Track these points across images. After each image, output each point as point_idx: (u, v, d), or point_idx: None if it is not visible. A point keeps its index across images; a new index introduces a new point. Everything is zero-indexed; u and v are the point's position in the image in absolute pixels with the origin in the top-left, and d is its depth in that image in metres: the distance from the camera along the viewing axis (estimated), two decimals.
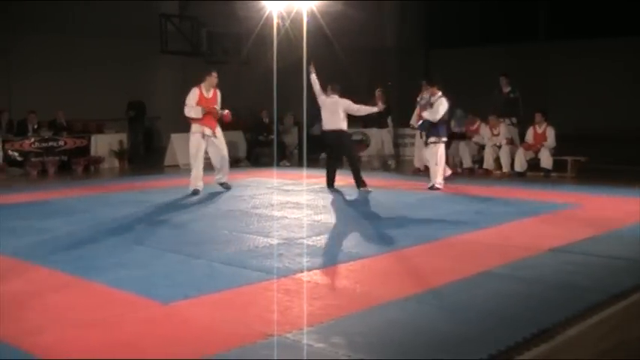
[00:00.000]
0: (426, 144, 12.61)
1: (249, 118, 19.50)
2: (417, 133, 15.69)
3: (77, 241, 7.93)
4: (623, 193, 11.32)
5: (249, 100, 19.12)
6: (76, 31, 18.97)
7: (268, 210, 10.10)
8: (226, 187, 12.20)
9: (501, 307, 5.27)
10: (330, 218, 9.37)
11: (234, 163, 17.53)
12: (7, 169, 15.48)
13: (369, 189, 11.70)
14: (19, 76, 18.37)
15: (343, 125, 11.98)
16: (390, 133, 16.84)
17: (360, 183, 11.83)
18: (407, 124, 16.31)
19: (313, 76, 12.10)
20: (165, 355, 4.33)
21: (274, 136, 17.55)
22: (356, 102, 12.10)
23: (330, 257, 6.96)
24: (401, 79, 23.69)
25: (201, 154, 11.87)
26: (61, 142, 16.49)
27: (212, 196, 11.68)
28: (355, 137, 18.76)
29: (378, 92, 16.41)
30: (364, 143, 18.66)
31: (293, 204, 10.63)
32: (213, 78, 11.79)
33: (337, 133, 11.93)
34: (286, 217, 9.36)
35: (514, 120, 15.34)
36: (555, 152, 14.33)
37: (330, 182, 12.15)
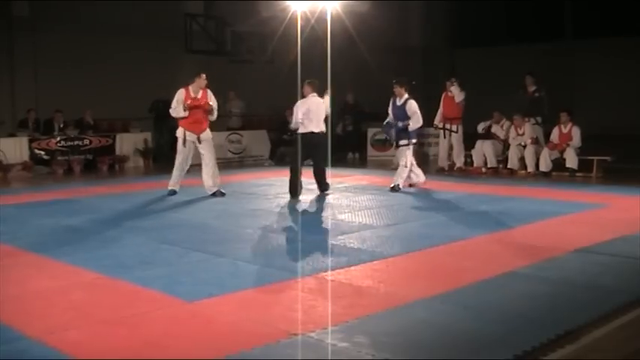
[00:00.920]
0: (397, 146, 12.37)
1: (273, 117, 19.54)
2: (441, 132, 15.70)
3: (102, 239, 8.00)
4: None
5: (273, 100, 19.17)
6: (102, 30, 19.08)
7: (292, 209, 10.11)
8: (219, 194, 11.44)
9: (526, 307, 5.24)
10: (354, 217, 9.36)
11: (259, 162, 17.65)
12: (34, 167, 15.62)
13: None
14: (45, 76, 18.50)
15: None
16: None
17: (326, 185, 11.60)
18: (431, 124, 16.26)
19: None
20: (189, 353, 4.35)
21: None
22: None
23: (354, 256, 6.95)
24: (426, 79, 23.61)
25: (181, 159, 11.59)
26: (87, 141, 16.64)
27: (236, 195, 11.71)
28: (379, 137, 18.78)
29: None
30: (388, 143, 18.64)
31: (317, 203, 10.63)
32: (202, 80, 11.53)
33: (322, 135, 11.39)
34: (310, 216, 9.36)
35: (539, 119, 15.24)
36: (581, 152, 14.19)
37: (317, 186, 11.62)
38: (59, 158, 16.06)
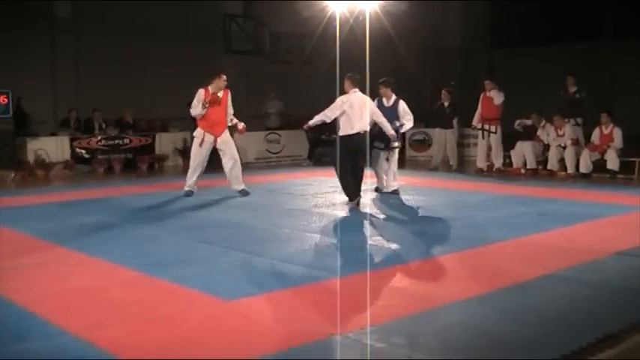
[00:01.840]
0: (391, 149, 11.66)
1: (311, 117, 19.53)
2: (480, 133, 15.61)
3: (141, 237, 8.08)
4: None
5: (312, 100, 19.15)
6: (142, 31, 19.27)
7: (330, 209, 10.12)
8: (244, 193, 11.46)
9: (565, 310, 5.19)
10: (391, 218, 9.34)
11: (297, 161, 17.68)
12: (75, 166, 15.84)
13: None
14: (86, 76, 18.74)
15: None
16: (454, 134, 16.62)
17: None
18: (470, 125, 16.19)
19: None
20: (226, 352, 4.38)
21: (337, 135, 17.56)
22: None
23: (392, 257, 6.94)
24: (464, 79, 23.48)
25: (199, 161, 11.43)
26: (127, 140, 16.84)
27: (274, 194, 11.76)
28: (417, 137, 18.72)
29: (444, 92, 16.35)
30: (426, 143, 18.58)
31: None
32: (222, 81, 11.41)
33: (363, 136, 10.34)
34: (348, 217, 9.37)
35: (579, 120, 15.08)
36: (622, 153, 14.01)
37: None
38: (100, 157, 16.28)
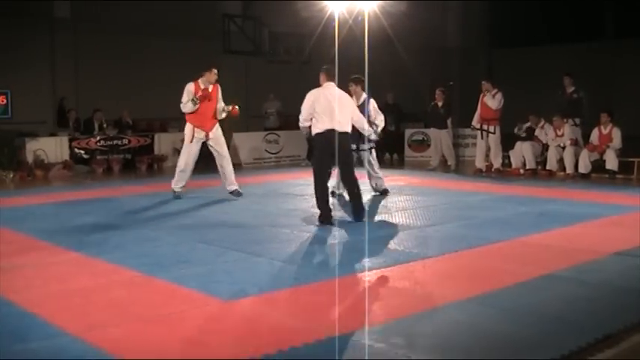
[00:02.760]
0: (361, 151, 11.13)
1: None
2: (479, 133, 15.61)
3: (140, 237, 8.08)
4: None
5: None
6: (141, 31, 19.27)
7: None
8: (237, 194, 11.23)
9: (565, 310, 5.19)
10: (390, 218, 9.34)
11: (296, 162, 17.68)
12: (74, 166, 15.84)
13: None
14: (85, 76, 18.74)
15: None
16: (448, 134, 16.60)
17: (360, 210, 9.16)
18: (469, 125, 16.19)
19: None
20: (225, 352, 4.38)
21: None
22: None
23: (391, 257, 6.94)
24: (463, 79, 23.50)
25: (188, 160, 11.22)
26: (126, 141, 16.84)
27: (273, 194, 11.76)
28: (416, 137, 18.72)
29: (438, 92, 16.36)
30: (425, 144, 18.57)
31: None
32: (213, 74, 11.19)
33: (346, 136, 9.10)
34: (347, 217, 9.36)
35: (577, 120, 15.08)
36: (621, 153, 14.02)
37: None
38: (99, 157, 16.28)
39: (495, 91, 15.20)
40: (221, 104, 11.37)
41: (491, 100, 15.17)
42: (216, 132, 11.32)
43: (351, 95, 10.83)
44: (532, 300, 5.44)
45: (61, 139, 16.17)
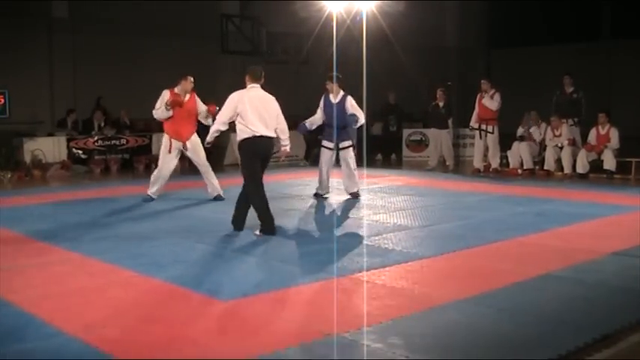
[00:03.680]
0: (339, 149, 11.00)
1: (308, 118, 19.52)
2: (477, 133, 15.61)
3: (138, 237, 8.07)
4: None
5: (308, 100, 19.15)
6: (139, 31, 19.25)
7: (327, 209, 10.12)
8: (219, 199, 11.03)
9: (562, 310, 5.19)
10: (388, 218, 9.34)
11: (294, 162, 17.66)
12: (72, 166, 15.83)
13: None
14: (83, 76, 18.71)
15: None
16: (449, 134, 16.62)
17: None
18: (467, 125, 16.21)
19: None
20: (223, 352, 4.38)
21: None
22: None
23: (389, 257, 6.94)
24: (462, 79, 23.50)
25: (165, 169, 11.03)
26: (124, 141, 16.84)
27: (271, 195, 11.70)
28: (414, 137, 18.72)
29: (439, 92, 16.37)
30: (423, 144, 18.57)
31: (351, 204, 10.62)
32: (188, 82, 11.03)
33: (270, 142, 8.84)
34: (345, 217, 9.37)
35: (576, 120, 15.09)
36: (619, 154, 14.02)
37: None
38: (97, 157, 16.28)
39: (493, 91, 15.20)
40: (202, 111, 11.10)
41: (490, 101, 15.16)
42: (194, 140, 11.07)
43: (327, 93, 10.97)
44: (530, 300, 5.44)
45: (59, 139, 16.15)
